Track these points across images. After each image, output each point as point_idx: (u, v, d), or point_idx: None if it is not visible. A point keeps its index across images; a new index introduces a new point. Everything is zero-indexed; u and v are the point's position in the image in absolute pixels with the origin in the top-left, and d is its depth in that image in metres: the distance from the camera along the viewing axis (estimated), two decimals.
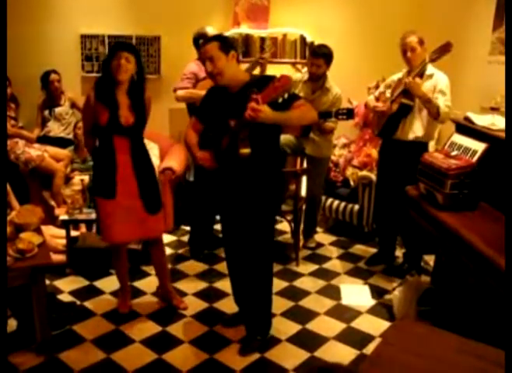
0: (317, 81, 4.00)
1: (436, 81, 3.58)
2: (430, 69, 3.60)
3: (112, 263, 3.43)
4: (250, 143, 2.62)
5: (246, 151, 2.62)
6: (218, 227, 4.39)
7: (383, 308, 3.50)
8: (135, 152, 3.10)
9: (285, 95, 2.53)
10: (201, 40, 4.07)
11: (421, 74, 3.57)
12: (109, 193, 3.07)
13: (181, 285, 3.75)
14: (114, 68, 2.95)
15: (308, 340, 3.13)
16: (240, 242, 2.93)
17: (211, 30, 4.15)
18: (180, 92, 4.07)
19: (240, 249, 2.95)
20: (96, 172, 3.20)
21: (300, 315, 3.41)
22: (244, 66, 4.60)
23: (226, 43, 2.71)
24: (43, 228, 3.23)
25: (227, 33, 5.17)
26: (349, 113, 3.77)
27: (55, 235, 3.97)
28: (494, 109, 3.19)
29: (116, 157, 3.05)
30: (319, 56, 3.90)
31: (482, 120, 3.11)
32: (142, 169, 3.14)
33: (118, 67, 2.94)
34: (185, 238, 4.50)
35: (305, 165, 4.30)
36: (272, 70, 4.99)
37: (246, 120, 2.53)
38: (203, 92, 3.04)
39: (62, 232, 3.89)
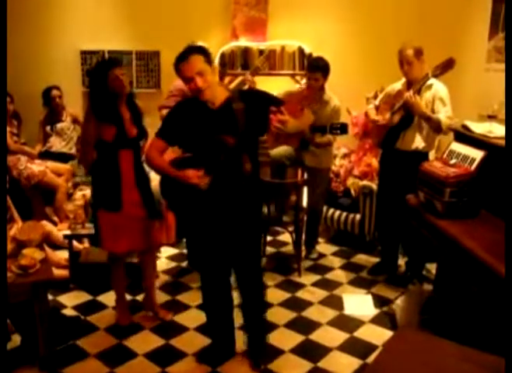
0: (315, 94, 4.01)
1: (436, 92, 3.59)
2: (430, 80, 3.61)
3: (111, 275, 3.41)
4: (248, 157, 2.59)
5: (249, 166, 2.57)
6: None
7: (386, 318, 3.49)
8: (136, 163, 3.16)
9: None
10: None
11: (419, 87, 3.58)
12: (115, 205, 3.10)
13: (184, 298, 3.76)
14: (116, 85, 3.00)
15: (311, 351, 3.13)
16: (237, 257, 2.88)
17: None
18: (164, 112, 3.76)
19: (239, 264, 2.92)
20: (98, 186, 3.20)
21: (303, 325, 3.41)
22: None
23: (208, 55, 2.55)
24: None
25: (226, 47, 5.23)
26: (343, 128, 3.72)
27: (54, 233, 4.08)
28: (491, 117, 3.19)
29: (120, 169, 3.09)
30: (316, 70, 3.92)
31: (479, 128, 3.13)
32: (142, 178, 3.19)
33: (120, 83, 3.00)
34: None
35: (306, 176, 4.31)
36: (271, 82, 5.03)
37: (247, 136, 2.51)
38: None
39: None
